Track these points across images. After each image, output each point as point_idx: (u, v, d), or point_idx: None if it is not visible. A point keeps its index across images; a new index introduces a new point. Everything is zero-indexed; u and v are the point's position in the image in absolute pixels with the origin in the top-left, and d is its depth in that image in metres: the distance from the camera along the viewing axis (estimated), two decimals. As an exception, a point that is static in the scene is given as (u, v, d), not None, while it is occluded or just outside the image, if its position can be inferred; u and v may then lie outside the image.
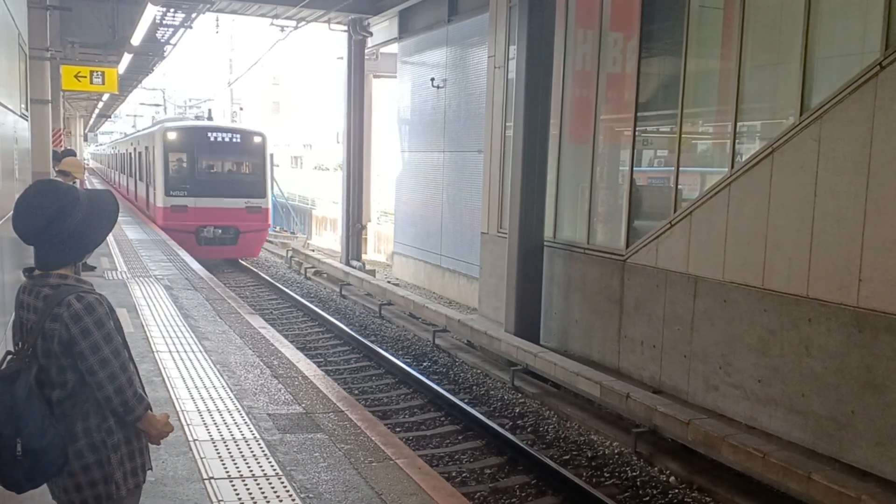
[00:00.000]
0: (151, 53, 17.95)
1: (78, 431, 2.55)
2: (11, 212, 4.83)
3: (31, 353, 2.54)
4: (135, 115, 59.80)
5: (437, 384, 9.59)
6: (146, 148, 21.11)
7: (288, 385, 6.34)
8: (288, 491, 4.28)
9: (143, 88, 37.45)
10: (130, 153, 26.69)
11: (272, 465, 4.63)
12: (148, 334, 7.79)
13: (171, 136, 18.59)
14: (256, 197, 18.78)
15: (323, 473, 4.56)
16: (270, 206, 19.92)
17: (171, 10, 13.51)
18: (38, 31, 12.04)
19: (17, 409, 2.45)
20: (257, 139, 19.11)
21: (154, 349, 7.22)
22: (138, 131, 30.58)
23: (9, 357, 2.59)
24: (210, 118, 21.75)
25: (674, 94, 8.62)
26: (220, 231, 18.26)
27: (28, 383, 2.48)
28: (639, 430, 7.60)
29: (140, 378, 2.73)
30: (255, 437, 5.09)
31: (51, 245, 2.58)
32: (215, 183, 18.65)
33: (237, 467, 4.58)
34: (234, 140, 18.98)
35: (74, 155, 12.61)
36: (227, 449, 4.86)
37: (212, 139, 18.72)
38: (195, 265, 12.72)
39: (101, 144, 73.69)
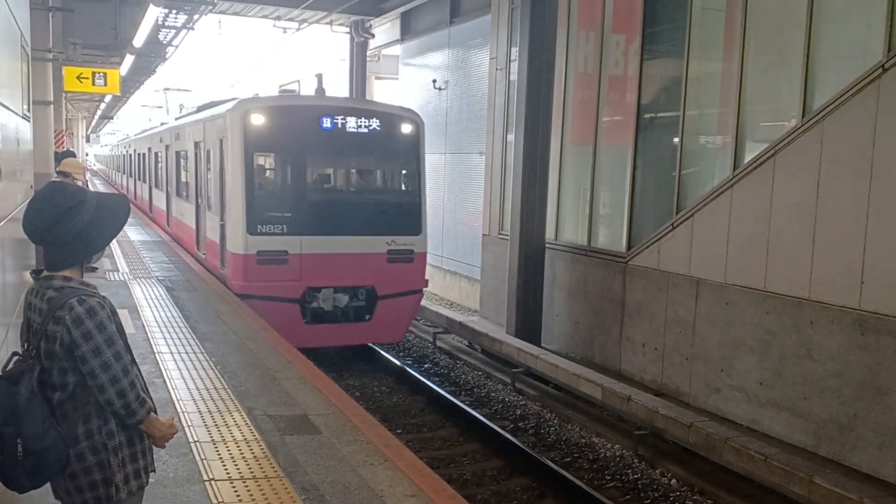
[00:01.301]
0: (153, 55, 17.95)
1: (79, 433, 2.55)
2: (12, 213, 4.84)
3: (34, 354, 2.55)
4: (149, 107, 46.74)
5: (438, 386, 9.59)
6: (196, 143, 12.87)
7: (289, 386, 6.33)
8: (289, 492, 4.27)
9: (145, 90, 37.38)
10: (158, 153, 18.02)
11: (273, 467, 4.62)
12: (149, 335, 7.78)
13: (258, 120, 10.01)
14: (407, 232, 10.62)
15: (324, 475, 4.55)
16: (427, 248, 11.14)
17: (174, 11, 13.52)
18: (40, 32, 12.04)
19: (19, 410, 2.46)
20: (407, 127, 10.82)
21: (155, 350, 7.21)
22: (181, 117, 19.08)
23: (15, 358, 2.60)
24: (322, 89, 11.57)
25: (676, 96, 8.62)
26: (344, 296, 10.23)
27: (30, 384, 2.49)
28: (640, 432, 7.59)
29: (143, 381, 2.73)
30: (255, 439, 5.08)
31: (57, 245, 2.59)
32: (336, 209, 10.48)
33: (238, 468, 4.57)
34: (371, 128, 10.44)
35: (74, 156, 12.64)
36: (228, 450, 4.85)
37: (328, 127, 10.24)
38: (196, 266, 12.70)
39: (105, 145, 66.67)
